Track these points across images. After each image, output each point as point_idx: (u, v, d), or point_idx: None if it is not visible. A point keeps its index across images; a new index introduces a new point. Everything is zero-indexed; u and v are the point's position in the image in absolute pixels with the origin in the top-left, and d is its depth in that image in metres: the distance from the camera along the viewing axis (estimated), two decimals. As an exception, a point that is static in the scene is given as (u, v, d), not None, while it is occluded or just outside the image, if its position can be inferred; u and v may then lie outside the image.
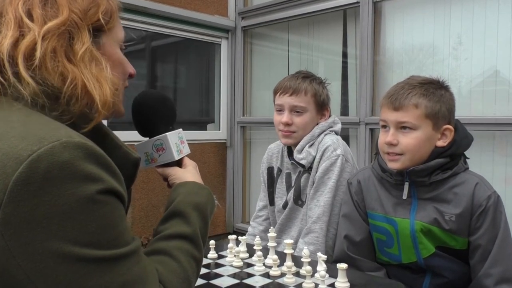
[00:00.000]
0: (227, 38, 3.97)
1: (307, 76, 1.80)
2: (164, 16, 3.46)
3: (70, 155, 0.62)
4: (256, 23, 3.82)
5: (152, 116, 1.07)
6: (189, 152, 1.13)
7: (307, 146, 1.76)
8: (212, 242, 1.48)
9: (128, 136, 3.52)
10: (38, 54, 0.69)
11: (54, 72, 0.70)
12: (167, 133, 1.07)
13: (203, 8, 3.73)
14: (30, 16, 0.72)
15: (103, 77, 0.75)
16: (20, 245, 0.60)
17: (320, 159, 1.72)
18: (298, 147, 1.77)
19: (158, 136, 1.07)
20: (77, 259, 0.62)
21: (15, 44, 0.70)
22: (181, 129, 1.12)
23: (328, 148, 1.72)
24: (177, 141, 1.09)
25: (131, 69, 0.91)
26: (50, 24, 0.71)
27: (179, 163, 1.10)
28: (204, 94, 4.16)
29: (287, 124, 1.76)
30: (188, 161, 1.11)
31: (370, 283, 1.31)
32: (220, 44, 3.97)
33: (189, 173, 1.05)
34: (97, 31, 0.79)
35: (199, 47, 3.98)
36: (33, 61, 0.69)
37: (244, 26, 3.91)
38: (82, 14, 0.75)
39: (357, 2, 3.10)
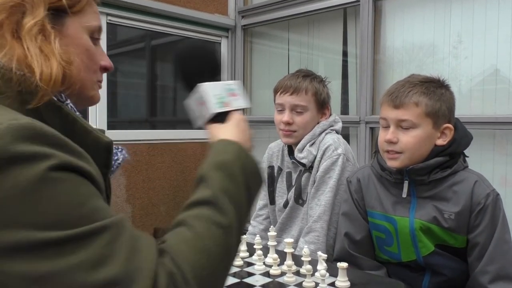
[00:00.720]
0: (227, 37, 3.97)
1: (308, 75, 1.80)
2: (164, 15, 3.46)
3: (14, 137, 0.60)
4: (256, 22, 3.81)
5: (190, 69, 1.00)
6: (246, 106, 0.99)
7: (308, 145, 1.76)
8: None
9: (128, 136, 3.49)
10: None
11: None
12: (203, 83, 0.94)
13: (203, 7, 3.73)
14: None
15: (50, 51, 0.72)
16: None
17: (321, 158, 1.72)
18: (299, 146, 1.77)
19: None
20: (41, 244, 0.58)
21: None
22: (234, 81, 1.00)
23: (329, 147, 1.72)
24: (221, 93, 0.96)
25: (105, 61, 0.88)
26: None
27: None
28: (204, 93, 4.15)
29: (288, 124, 1.76)
30: (233, 116, 0.96)
31: (370, 282, 1.31)
32: (220, 43, 3.97)
33: (224, 129, 0.91)
34: (59, 11, 0.77)
35: (199, 46, 3.98)
36: None
37: (244, 25, 3.90)
38: None
39: (357, 1, 3.10)
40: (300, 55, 3.66)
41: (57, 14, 0.76)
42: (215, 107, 0.94)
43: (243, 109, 0.99)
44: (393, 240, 1.48)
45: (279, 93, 1.80)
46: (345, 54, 3.38)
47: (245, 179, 0.80)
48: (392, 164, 1.42)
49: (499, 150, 2.64)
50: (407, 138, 1.38)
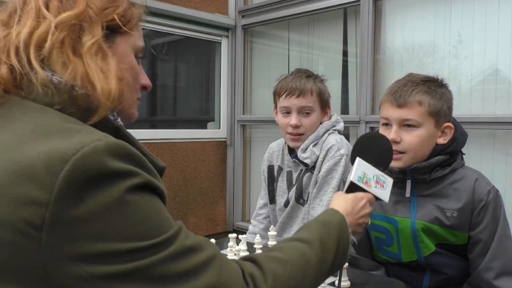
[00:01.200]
0: (227, 36, 3.96)
1: (310, 75, 1.80)
2: (164, 15, 3.46)
3: (111, 154, 0.64)
4: (257, 22, 3.81)
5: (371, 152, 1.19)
6: (384, 199, 1.15)
7: (311, 145, 1.76)
8: (212, 240, 1.48)
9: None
10: (47, 44, 0.71)
11: (57, 63, 0.72)
12: (359, 158, 1.14)
13: (204, 6, 3.73)
14: (47, 7, 0.74)
15: (108, 69, 0.75)
16: (70, 243, 0.60)
17: (324, 158, 1.72)
18: (303, 146, 1.77)
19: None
20: (128, 252, 0.63)
21: (31, 33, 0.72)
22: (391, 178, 1.18)
23: (332, 148, 1.72)
24: (370, 175, 1.13)
25: (145, 80, 0.91)
26: (63, 15, 0.73)
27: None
28: (204, 93, 4.16)
29: (296, 126, 1.75)
30: (360, 193, 1.11)
31: (370, 282, 1.31)
32: (220, 43, 3.97)
33: (342, 200, 1.07)
34: (112, 30, 0.80)
35: (199, 46, 3.98)
36: (42, 51, 0.71)
37: (245, 25, 3.90)
38: (99, 10, 0.76)
39: (358, 1, 3.10)
40: (300, 54, 3.66)
41: (110, 32, 0.79)
42: (354, 177, 1.11)
43: (376, 198, 1.14)
44: (394, 241, 1.47)
45: (284, 96, 1.77)
46: (345, 53, 3.38)
47: (337, 242, 0.92)
48: (395, 164, 1.41)
49: (499, 150, 2.64)
50: (411, 137, 1.38)
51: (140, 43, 0.88)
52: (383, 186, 1.15)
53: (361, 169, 1.13)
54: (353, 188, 1.12)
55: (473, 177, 1.39)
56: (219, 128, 4.01)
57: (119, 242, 0.63)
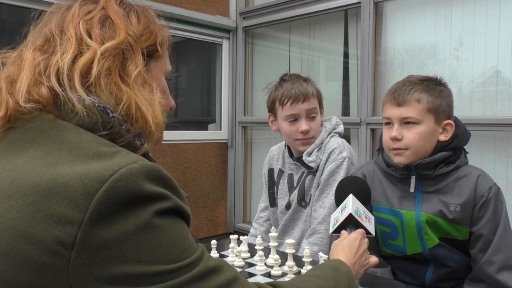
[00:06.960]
0: (228, 38, 3.98)
1: (305, 79, 1.81)
2: (165, 16, 3.47)
3: (146, 176, 0.65)
4: (258, 23, 3.82)
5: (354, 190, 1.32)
6: (371, 232, 1.24)
7: (316, 149, 1.77)
8: (213, 242, 1.49)
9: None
10: (94, 72, 0.72)
11: (106, 90, 0.72)
12: (352, 195, 1.27)
13: (205, 8, 3.74)
14: (89, 35, 0.75)
15: (153, 100, 0.77)
16: (98, 264, 0.61)
17: (326, 161, 1.73)
18: (309, 149, 1.77)
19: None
20: (154, 275, 0.63)
21: (74, 60, 0.73)
22: (372, 216, 1.31)
23: (334, 151, 1.72)
24: (360, 209, 1.26)
25: (172, 101, 0.92)
26: (107, 44, 0.74)
27: (357, 226, 1.23)
28: (205, 94, 4.17)
29: (307, 132, 1.75)
30: (352, 234, 1.19)
31: (372, 284, 1.31)
32: (221, 44, 3.98)
33: (340, 249, 1.15)
34: (148, 56, 0.81)
35: (201, 47, 3.99)
36: (89, 78, 0.72)
37: (246, 26, 3.91)
38: (137, 37, 0.78)
39: (358, 3, 3.11)
40: (301, 56, 3.67)
41: (146, 59, 0.80)
42: (352, 210, 1.23)
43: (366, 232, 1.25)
44: (399, 234, 1.50)
45: (289, 103, 1.75)
46: (346, 55, 3.39)
47: (347, 285, 0.99)
48: (399, 160, 1.46)
49: (500, 152, 2.64)
50: (412, 134, 1.43)
51: (169, 66, 0.88)
52: (369, 221, 1.26)
53: (355, 204, 1.25)
54: (349, 221, 1.22)
55: (476, 174, 1.43)
56: (220, 130, 4.02)
57: (145, 264, 0.63)
